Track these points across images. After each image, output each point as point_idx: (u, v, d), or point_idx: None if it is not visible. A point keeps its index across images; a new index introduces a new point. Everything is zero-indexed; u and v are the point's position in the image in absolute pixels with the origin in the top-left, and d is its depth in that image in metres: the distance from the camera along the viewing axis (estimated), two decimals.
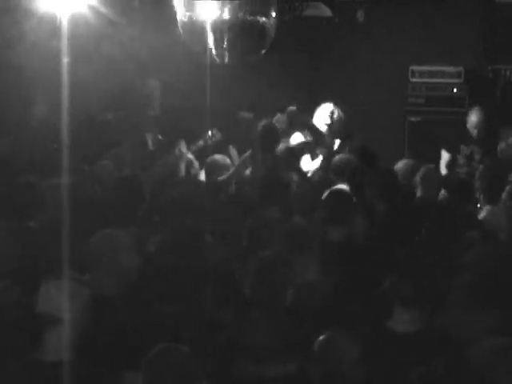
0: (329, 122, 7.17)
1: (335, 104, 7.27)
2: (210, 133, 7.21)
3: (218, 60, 6.46)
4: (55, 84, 6.32)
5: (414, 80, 9.38)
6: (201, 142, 7.23)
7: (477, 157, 7.68)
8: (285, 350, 3.70)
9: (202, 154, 7.01)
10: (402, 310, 3.69)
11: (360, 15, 8.52)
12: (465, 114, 9.01)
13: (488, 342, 3.27)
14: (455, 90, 9.26)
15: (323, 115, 7.21)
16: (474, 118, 7.74)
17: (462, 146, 7.66)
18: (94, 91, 7.31)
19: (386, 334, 3.68)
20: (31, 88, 7.67)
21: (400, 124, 9.33)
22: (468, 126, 7.74)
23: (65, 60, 6.55)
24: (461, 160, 7.63)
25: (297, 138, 7.35)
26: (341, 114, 7.19)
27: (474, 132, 7.68)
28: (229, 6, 6.37)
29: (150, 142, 7.29)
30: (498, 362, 3.17)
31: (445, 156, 7.66)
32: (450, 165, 7.52)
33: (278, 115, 8.30)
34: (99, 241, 4.16)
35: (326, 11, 8.58)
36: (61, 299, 3.43)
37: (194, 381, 3.08)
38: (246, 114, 8.15)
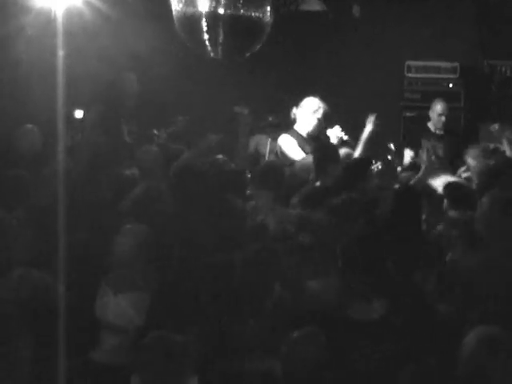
0: (319, 116, 7.11)
1: (320, 97, 7.21)
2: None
3: (212, 55, 6.44)
4: (50, 78, 6.33)
5: (409, 75, 9.39)
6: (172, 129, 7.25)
7: (439, 152, 7.76)
8: (269, 345, 3.71)
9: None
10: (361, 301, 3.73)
11: (355, 10, 8.50)
12: (461, 110, 9.06)
13: (475, 332, 3.28)
14: (451, 86, 9.28)
15: (310, 109, 7.13)
16: (439, 109, 8.01)
17: (423, 140, 7.79)
18: (89, 85, 7.31)
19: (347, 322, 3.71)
20: (27, 82, 7.68)
21: (396, 119, 9.33)
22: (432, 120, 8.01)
23: (60, 54, 6.56)
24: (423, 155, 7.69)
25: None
26: (326, 107, 7.14)
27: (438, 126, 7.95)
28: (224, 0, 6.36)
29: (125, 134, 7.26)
30: (486, 352, 3.18)
31: (407, 153, 7.70)
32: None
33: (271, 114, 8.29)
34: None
35: (322, 6, 8.57)
36: (126, 310, 3.40)
37: (185, 369, 3.08)
38: (241, 109, 8.16)
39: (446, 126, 8.20)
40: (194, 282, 4.25)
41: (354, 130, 7.85)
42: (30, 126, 6.86)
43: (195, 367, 3.12)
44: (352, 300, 3.71)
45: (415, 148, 7.63)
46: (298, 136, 7.09)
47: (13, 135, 6.79)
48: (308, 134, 7.11)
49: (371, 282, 3.69)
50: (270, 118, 8.09)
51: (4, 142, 6.84)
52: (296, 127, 7.15)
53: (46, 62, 6.86)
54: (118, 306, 3.42)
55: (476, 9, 9.26)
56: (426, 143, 7.84)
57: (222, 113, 7.99)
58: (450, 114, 8.35)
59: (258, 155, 7.70)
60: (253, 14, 6.45)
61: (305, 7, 8.31)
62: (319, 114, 7.07)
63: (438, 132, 8.12)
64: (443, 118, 8.11)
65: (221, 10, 6.35)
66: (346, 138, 7.15)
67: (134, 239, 4.29)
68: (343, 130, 7.22)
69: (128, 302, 3.43)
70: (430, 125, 8.21)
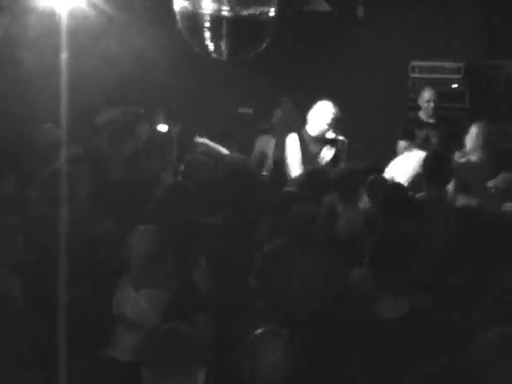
0: (329, 120, 7.18)
1: (332, 101, 7.26)
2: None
3: (215, 56, 6.45)
4: (54, 79, 6.34)
5: (414, 75, 9.37)
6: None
7: (433, 140, 7.74)
8: None
9: None
10: (386, 299, 3.72)
11: (360, 10, 8.49)
12: (466, 110, 9.05)
13: (490, 332, 3.26)
14: (455, 86, 9.27)
15: (321, 113, 7.21)
16: (426, 96, 7.97)
17: (416, 131, 7.77)
18: (93, 86, 7.32)
19: (372, 320, 3.71)
20: (31, 82, 7.69)
21: (400, 119, 9.32)
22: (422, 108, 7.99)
23: (64, 55, 6.57)
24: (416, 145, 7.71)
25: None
26: (338, 112, 7.19)
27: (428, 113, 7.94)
28: (228, 0, 6.36)
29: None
30: (500, 352, 3.16)
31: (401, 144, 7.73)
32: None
33: (277, 111, 8.30)
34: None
35: (326, 6, 8.58)
36: (145, 306, 3.42)
37: (194, 361, 3.05)
38: (245, 110, 8.17)
39: (438, 114, 8.13)
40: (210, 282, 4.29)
41: (358, 130, 7.89)
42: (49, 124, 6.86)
43: (204, 359, 3.10)
44: (379, 297, 3.72)
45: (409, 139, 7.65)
46: (307, 136, 7.17)
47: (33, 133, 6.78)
48: (316, 136, 7.20)
49: (398, 280, 3.69)
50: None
51: (9, 140, 6.84)
52: (307, 128, 7.23)
53: (50, 62, 6.87)
54: (137, 302, 3.41)
55: (480, 9, 9.25)
56: (419, 133, 7.81)
57: (226, 113, 7.99)
58: (453, 113, 8.35)
59: (263, 156, 7.73)
60: (257, 15, 6.45)
61: (309, 8, 8.33)
62: (329, 119, 7.14)
63: (430, 121, 8.04)
64: (432, 104, 8.02)
65: (224, 11, 6.35)
66: (341, 138, 7.23)
67: (148, 240, 4.40)
68: (346, 129, 7.28)
69: (148, 298, 3.44)
70: (421, 114, 8.14)
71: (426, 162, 5.79)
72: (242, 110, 8.13)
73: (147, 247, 4.40)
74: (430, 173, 5.70)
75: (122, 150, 6.52)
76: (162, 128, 7.09)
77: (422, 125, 7.86)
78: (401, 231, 4.28)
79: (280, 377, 3.41)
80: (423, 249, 4.39)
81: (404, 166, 6.56)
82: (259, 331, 3.48)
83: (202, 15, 6.38)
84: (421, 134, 7.74)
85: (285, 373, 3.42)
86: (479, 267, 4.24)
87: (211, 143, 7.05)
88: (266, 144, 7.88)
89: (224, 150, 7.01)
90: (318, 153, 7.16)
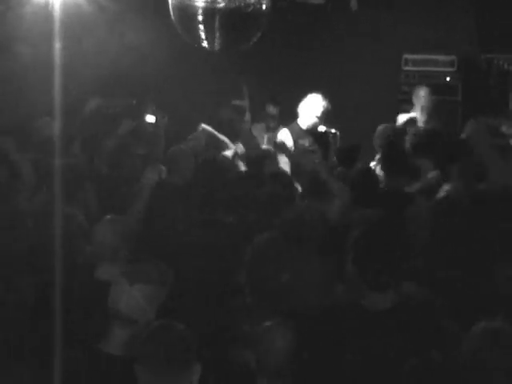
0: (319, 113, 7.24)
1: (325, 94, 7.31)
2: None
3: (208, 48, 6.47)
4: (48, 70, 6.35)
5: (406, 68, 9.40)
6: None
7: None
8: None
9: None
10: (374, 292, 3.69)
11: (353, 3, 8.51)
12: (458, 103, 9.08)
13: (479, 326, 3.29)
14: (448, 79, 9.29)
15: (311, 106, 7.27)
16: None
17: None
18: (85, 77, 7.33)
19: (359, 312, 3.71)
20: (25, 74, 7.70)
21: (393, 113, 9.34)
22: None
23: (57, 45, 6.59)
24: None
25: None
26: (328, 105, 7.25)
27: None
28: None
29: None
30: (488, 346, 3.17)
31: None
32: None
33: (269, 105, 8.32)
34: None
35: None
36: (140, 301, 3.44)
37: (187, 357, 3.08)
38: (240, 102, 8.19)
39: None
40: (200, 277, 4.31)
41: (349, 123, 7.92)
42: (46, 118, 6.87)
43: (197, 355, 3.12)
44: (366, 290, 3.68)
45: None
46: (298, 129, 7.25)
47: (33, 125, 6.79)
48: (307, 129, 7.27)
49: (385, 272, 3.66)
50: (271, 108, 8.18)
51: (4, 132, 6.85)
52: (298, 121, 7.29)
53: (43, 53, 6.88)
54: (132, 297, 3.43)
55: (474, 2, 9.26)
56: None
57: (219, 105, 7.98)
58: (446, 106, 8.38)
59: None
60: (250, 7, 6.47)
61: (302, 0, 8.33)
62: (319, 112, 7.20)
63: None
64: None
65: (218, 3, 6.36)
66: (333, 131, 7.31)
67: (114, 229, 4.32)
68: (338, 122, 7.33)
69: (143, 293, 3.45)
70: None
71: (382, 152, 5.80)
72: (236, 102, 8.14)
73: (113, 238, 4.26)
74: (384, 161, 5.69)
75: (108, 142, 6.53)
76: (150, 119, 7.08)
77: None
78: (382, 224, 4.28)
79: (286, 368, 3.46)
80: (406, 240, 4.39)
81: None
82: (267, 323, 3.54)
83: (195, 7, 6.39)
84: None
85: (291, 364, 3.48)
86: (464, 257, 4.27)
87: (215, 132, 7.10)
88: (259, 134, 7.94)
89: (226, 140, 7.05)
90: (310, 146, 7.27)
